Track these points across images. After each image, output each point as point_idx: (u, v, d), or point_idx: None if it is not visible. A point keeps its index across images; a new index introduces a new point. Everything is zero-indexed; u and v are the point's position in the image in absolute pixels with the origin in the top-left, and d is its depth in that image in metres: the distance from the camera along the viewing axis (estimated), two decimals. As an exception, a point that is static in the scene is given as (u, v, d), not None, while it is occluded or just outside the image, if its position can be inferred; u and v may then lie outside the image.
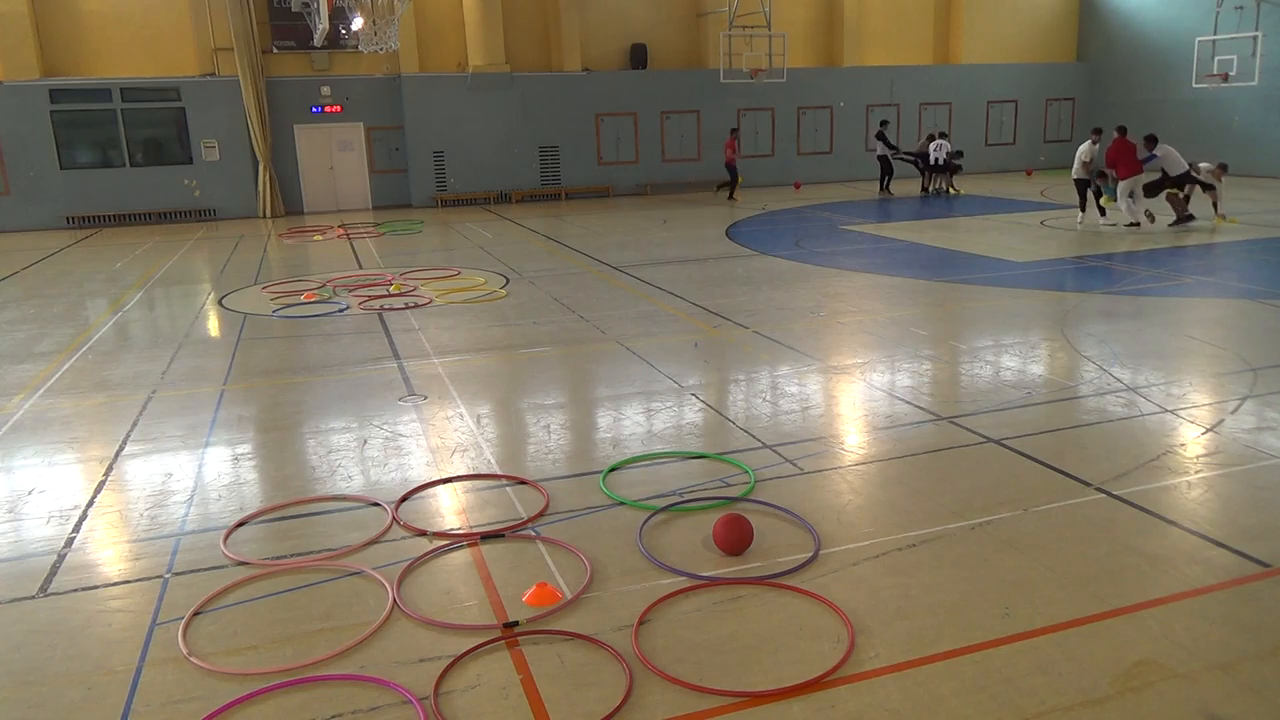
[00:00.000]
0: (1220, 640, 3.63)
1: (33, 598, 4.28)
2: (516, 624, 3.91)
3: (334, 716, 3.37)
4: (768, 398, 7.16)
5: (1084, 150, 16.07)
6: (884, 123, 23.39)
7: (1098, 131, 16.37)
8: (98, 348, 9.39)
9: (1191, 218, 15.45)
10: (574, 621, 3.93)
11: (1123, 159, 15.18)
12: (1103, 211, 16.02)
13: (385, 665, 3.67)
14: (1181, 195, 15.47)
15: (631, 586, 4.21)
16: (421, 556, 4.57)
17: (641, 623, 3.88)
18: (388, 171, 23.09)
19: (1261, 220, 15.72)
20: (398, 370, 8.07)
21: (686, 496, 5.20)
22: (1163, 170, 15.37)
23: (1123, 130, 15.73)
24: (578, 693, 3.45)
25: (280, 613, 4.09)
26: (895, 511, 4.96)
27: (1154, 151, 15.24)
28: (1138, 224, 15.21)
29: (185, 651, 3.76)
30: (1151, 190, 15.53)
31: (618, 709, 3.31)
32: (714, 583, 4.23)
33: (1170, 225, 15.36)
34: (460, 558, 4.59)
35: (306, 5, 18.83)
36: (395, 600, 4.11)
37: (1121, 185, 15.26)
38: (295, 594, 4.24)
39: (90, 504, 5.37)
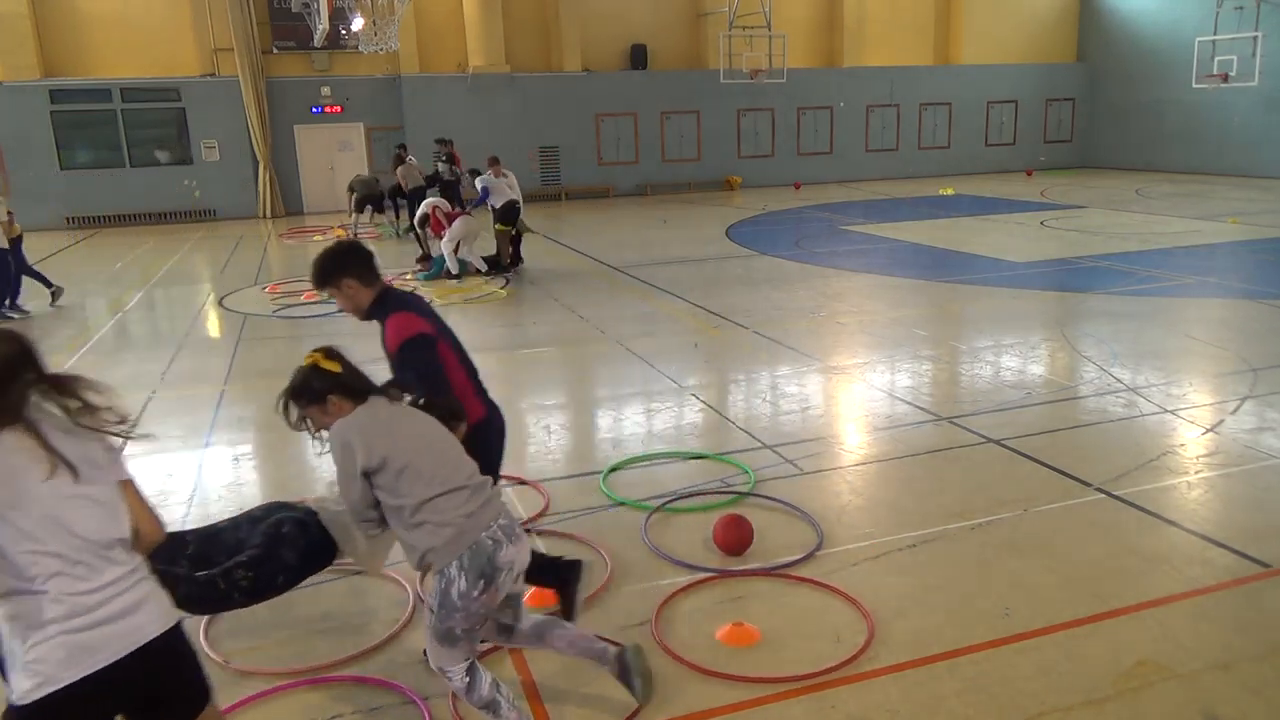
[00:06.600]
0: (1220, 640, 3.63)
1: (33, 598, 4.27)
2: None
3: (334, 717, 3.37)
4: (768, 398, 7.16)
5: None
6: (400, 146, 18.24)
7: (496, 160, 13.42)
8: (98, 348, 9.39)
9: (502, 264, 12.71)
10: (576, 621, 3.93)
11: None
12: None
13: (386, 665, 3.67)
14: (511, 233, 12.96)
15: (633, 587, 4.21)
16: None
17: (645, 622, 3.88)
18: (388, 172, 23.05)
19: (1261, 220, 15.72)
20: (398, 370, 8.06)
21: (685, 494, 5.20)
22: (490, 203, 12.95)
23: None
24: (578, 693, 3.46)
25: (282, 613, 4.08)
26: (895, 512, 4.96)
27: (481, 184, 12.98)
28: (462, 275, 12.52)
29: (208, 650, 3.79)
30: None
31: (636, 711, 3.30)
32: (725, 575, 4.26)
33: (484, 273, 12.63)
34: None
35: (307, 6, 18.83)
36: (419, 598, 4.07)
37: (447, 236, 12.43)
38: (295, 594, 4.21)
39: (90, 504, 5.36)
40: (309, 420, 3.02)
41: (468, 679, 3.00)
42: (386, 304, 3.60)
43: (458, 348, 3.71)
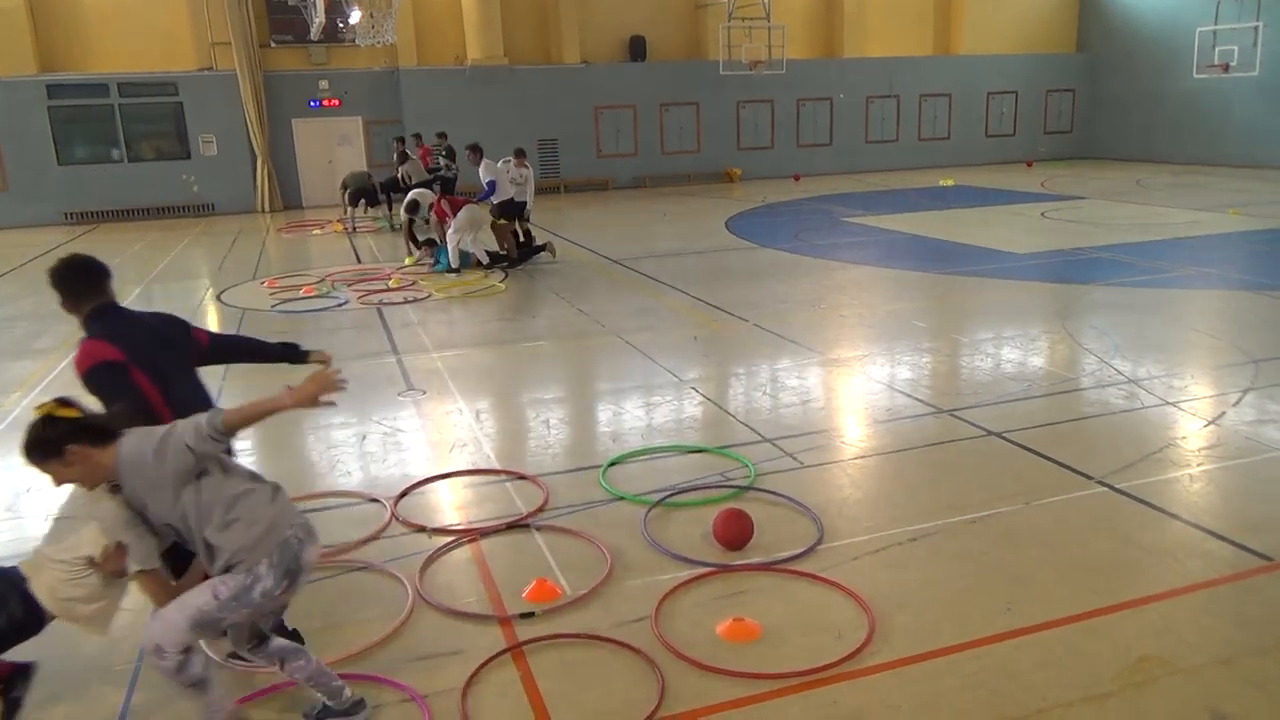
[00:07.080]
0: (1223, 635, 3.62)
1: (31, 596, 4.25)
2: (533, 614, 3.93)
3: (333, 714, 3.35)
4: (767, 391, 7.14)
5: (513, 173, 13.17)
6: (399, 139, 18.72)
7: (520, 153, 13.50)
8: (96, 343, 9.36)
9: (508, 256, 12.71)
10: (576, 617, 3.92)
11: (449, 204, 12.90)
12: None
13: (386, 663, 3.66)
14: (513, 228, 13.00)
15: (632, 581, 4.19)
16: (436, 552, 4.54)
17: (645, 617, 3.86)
18: (386, 165, 23.00)
19: (1262, 211, 15.68)
20: (397, 365, 8.05)
21: (685, 488, 5.18)
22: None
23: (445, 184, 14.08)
24: (579, 692, 3.44)
25: (279, 610, 4.07)
26: (895, 505, 4.95)
27: (486, 178, 12.84)
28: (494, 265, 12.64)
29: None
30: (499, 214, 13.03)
31: (656, 710, 3.28)
32: (725, 569, 4.24)
33: (486, 267, 12.57)
34: (460, 553, 4.58)
35: (303, -1, 18.77)
36: (418, 595, 4.10)
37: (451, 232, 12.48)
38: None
39: (88, 501, 5.35)
40: (51, 475, 2.84)
41: (182, 658, 2.91)
42: (90, 327, 3.43)
43: (164, 372, 3.45)
